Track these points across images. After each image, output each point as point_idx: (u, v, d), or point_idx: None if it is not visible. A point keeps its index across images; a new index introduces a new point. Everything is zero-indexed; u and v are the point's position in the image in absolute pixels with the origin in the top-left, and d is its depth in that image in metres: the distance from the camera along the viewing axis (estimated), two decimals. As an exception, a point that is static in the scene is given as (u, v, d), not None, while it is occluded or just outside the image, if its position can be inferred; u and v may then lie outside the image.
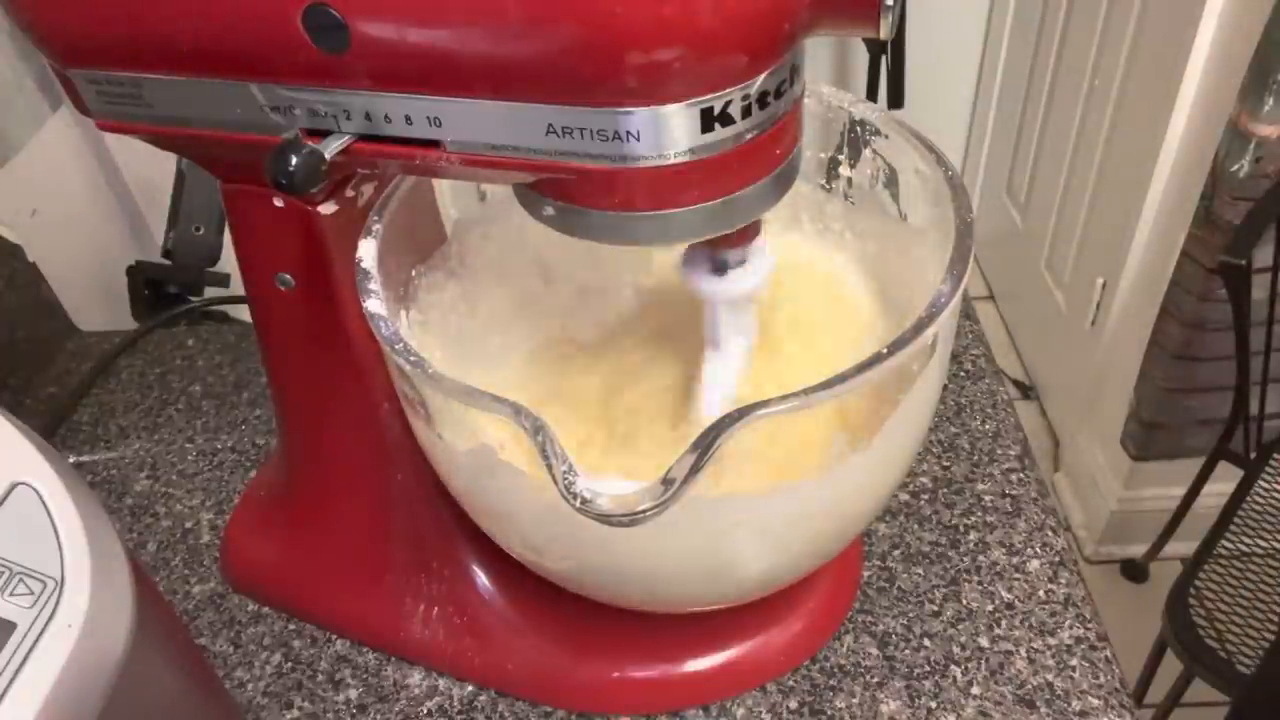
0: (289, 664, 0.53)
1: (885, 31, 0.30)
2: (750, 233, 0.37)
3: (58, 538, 0.28)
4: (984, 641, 0.50)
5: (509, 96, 0.30)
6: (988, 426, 0.62)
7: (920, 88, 1.79)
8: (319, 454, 0.51)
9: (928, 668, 0.50)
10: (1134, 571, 1.57)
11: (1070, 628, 0.51)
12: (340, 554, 0.53)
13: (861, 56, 1.86)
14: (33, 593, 0.26)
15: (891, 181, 0.44)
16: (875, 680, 0.49)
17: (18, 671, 0.25)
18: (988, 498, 0.58)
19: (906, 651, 0.50)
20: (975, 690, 0.48)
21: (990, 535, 0.55)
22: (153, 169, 0.89)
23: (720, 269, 0.39)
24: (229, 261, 0.60)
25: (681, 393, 0.46)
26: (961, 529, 0.56)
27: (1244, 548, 1.10)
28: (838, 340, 0.46)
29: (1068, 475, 1.69)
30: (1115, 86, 1.45)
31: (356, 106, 0.33)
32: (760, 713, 0.48)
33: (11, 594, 0.26)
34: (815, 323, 0.47)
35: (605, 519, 0.30)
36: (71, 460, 0.66)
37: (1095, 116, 1.52)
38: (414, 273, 0.44)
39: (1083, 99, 1.56)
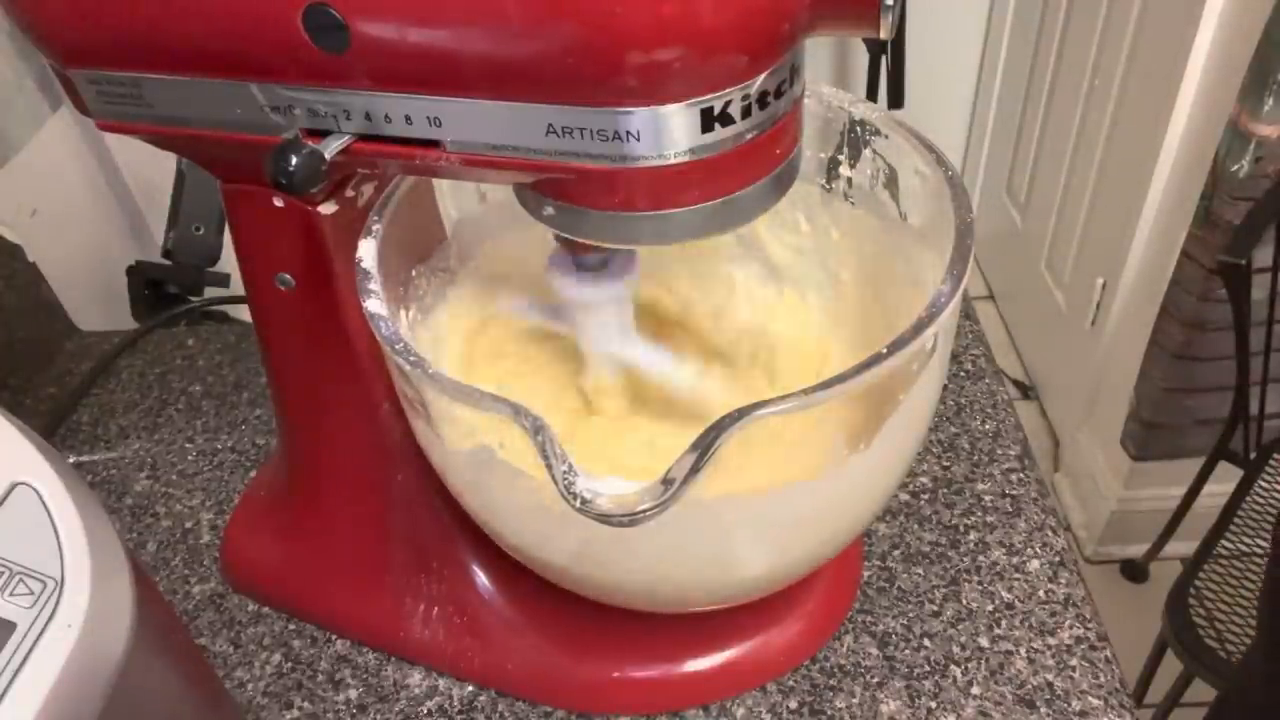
0: (289, 664, 0.53)
1: (885, 31, 0.30)
2: None
3: (58, 538, 0.28)
4: (984, 641, 0.50)
5: (509, 96, 0.30)
6: (988, 426, 0.62)
7: (920, 88, 1.78)
8: (319, 454, 0.51)
9: (928, 668, 0.50)
10: (1134, 571, 1.57)
11: (1070, 628, 0.51)
12: (340, 554, 0.53)
13: (861, 56, 1.86)
14: (33, 593, 0.26)
15: (891, 181, 0.44)
16: (875, 680, 0.49)
17: (18, 671, 0.25)
18: (988, 498, 0.58)
19: (906, 651, 0.50)
20: (975, 690, 0.48)
21: (990, 535, 0.55)
22: (153, 169, 0.89)
23: (579, 270, 0.39)
24: (229, 261, 0.60)
25: (685, 391, 0.46)
26: (961, 529, 0.56)
27: (1244, 548, 1.10)
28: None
29: (1068, 475, 1.69)
30: (1115, 86, 1.45)
31: (356, 106, 0.33)
32: (760, 713, 0.48)
33: (11, 594, 0.26)
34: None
35: (605, 519, 0.30)
36: (71, 460, 0.66)
37: (1095, 116, 1.52)
38: (414, 273, 0.45)
39: (1083, 99, 1.56)
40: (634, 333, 0.43)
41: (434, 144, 0.33)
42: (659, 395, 0.45)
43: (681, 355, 0.45)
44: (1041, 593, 0.52)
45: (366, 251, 0.38)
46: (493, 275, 0.48)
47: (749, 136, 0.31)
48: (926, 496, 0.58)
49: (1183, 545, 1.25)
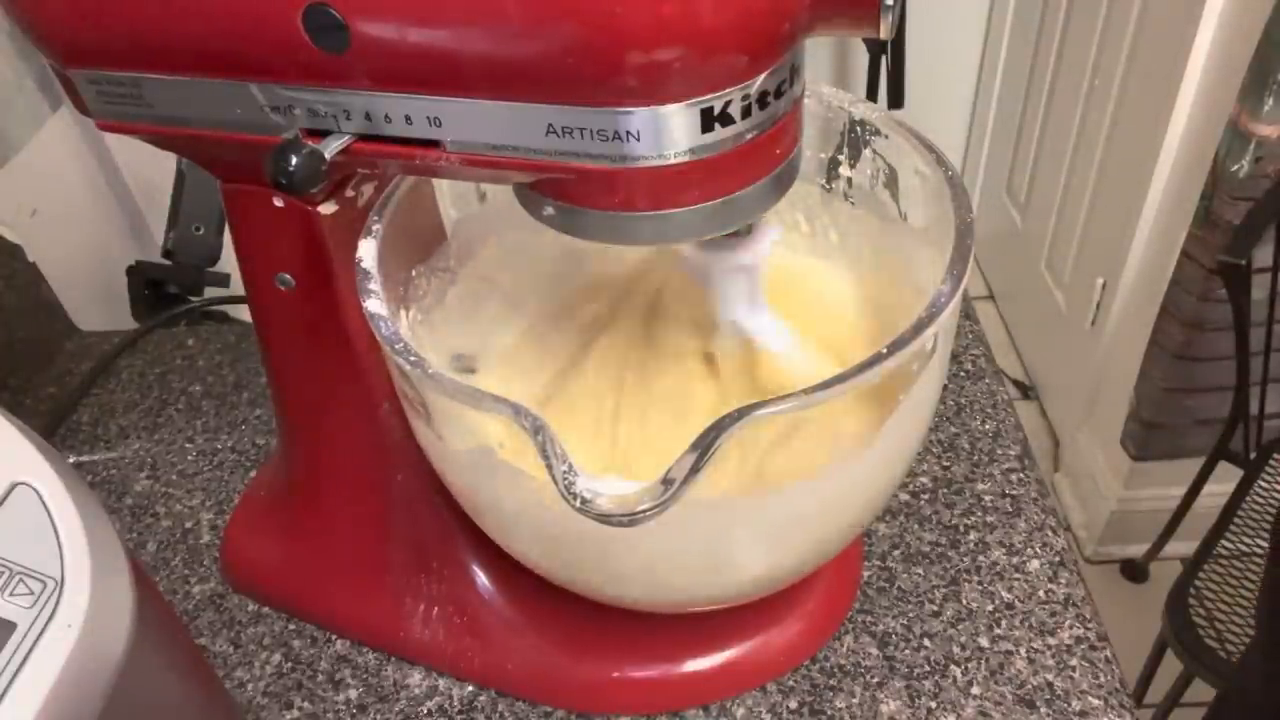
0: (289, 664, 0.53)
1: (885, 31, 0.30)
2: None
3: (58, 538, 0.28)
4: (984, 641, 0.50)
5: (509, 96, 0.30)
6: (988, 426, 0.62)
7: (920, 88, 1.79)
8: (319, 454, 0.51)
9: (928, 668, 0.50)
10: (1134, 571, 1.57)
11: (1070, 628, 0.51)
12: (340, 554, 0.53)
13: (861, 56, 1.86)
14: (33, 593, 0.26)
15: (891, 181, 0.44)
16: (875, 680, 0.49)
17: (18, 671, 0.25)
18: (988, 498, 0.58)
19: (906, 651, 0.50)
20: (975, 690, 0.48)
21: (990, 535, 0.55)
22: (153, 169, 0.89)
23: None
24: (229, 261, 0.60)
25: (684, 393, 0.45)
26: (961, 529, 0.56)
27: (1244, 548, 1.10)
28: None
29: (1068, 475, 1.69)
30: (1115, 86, 1.45)
31: (356, 106, 0.33)
32: (760, 713, 0.48)
33: (11, 594, 0.26)
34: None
35: (605, 519, 0.30)
36: (71, 460, 0.66)
37: (1095, 116, 1.52)
38: (414, 273, 0.44)
39: (1083, 99, 1.56)
40: (763, 302, 0.42)
41: (434, 144, 0.33)
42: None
43: (796, 335, 0.45)
44: (1041, 593, 0.52)
45: (366, 251, 0.38)
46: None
47: (749, 136, 0.31)
48: (926, 496, 0.58)
49: (1183, 545, 1.25)
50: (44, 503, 0.28)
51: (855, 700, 0.48)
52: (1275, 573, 0.76)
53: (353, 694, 0.51)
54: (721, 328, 0.43)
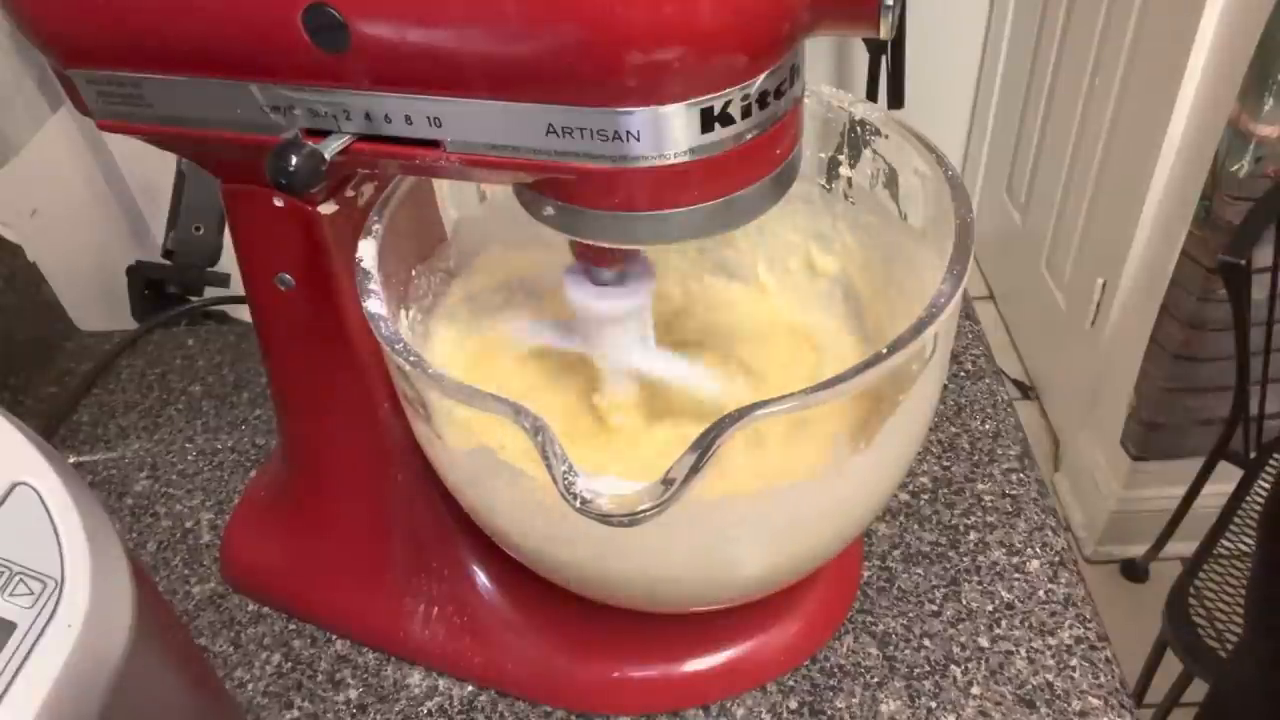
0: (289, 664, 0.53)
1: (885, 31, 0.30)
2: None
3: (58, 538, 0.28)
4: (984, 641, 0.50)
5: (509, 96, 0.30)
6: (988, 426, 0.62)
7: (920, 88, 1.78)
8: (319, 454, 0.51)
9: (928, 668, 0.50)
10: (1134, 571, 1.57)
11: (1070, 628, 0.51)
12: (340, 554, 0.53)
13: (861, 56, 1.86)
14: (33, 593, 0.26)
15: (891, 181, 0.44)
16: (875, 680, 0.49)
17: (18, 671, 0.25)
18: (988, 498, 0.58)
19: (906, 651, 0.50)
20: (975, 690, 0.48)
21: (990, 535, 0.55)
22: (153, 169, 0.89)
23: (597, 284, 0.39)
24: (229, 261, 0.60)
25: (685, 392, 0.46)
26: (961, 529, 0.56)
27: (1244, 548, 1.10)
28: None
29: (1068, 475, 1.69)
30: (1115, 86, 1.45)
31: (356, 106, 0.33)
32: (760, 713, 0.48)
33: (11, 594, 0.26)
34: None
35: (605, 519, 0.30)
36: (71, 460, 0.66)
37: (1095, 116, 1.52)
38: (414, 273, 0.45)
39: (1083, 99, 1.56)
40: (654, 343, 0.42)
41: (434, 144, 0.33)
42: (678, 405, 0.44)
43: (697, 360, 0.45)
44: (1041, 593, 0.52)
45: (366, 251, 0.38)
46: (484, 297, 0.48)
47: (749, 136, 0.31)
48: (926, 496, 0.58)
49: (1183, 545, 1.25)
50: (44, 503, 0.28)
51: (855, 700, 0.48)
52: (1266, 557, 0.76)
53: (353, 694, 0.51)
54: (610, 377, 0.43)
